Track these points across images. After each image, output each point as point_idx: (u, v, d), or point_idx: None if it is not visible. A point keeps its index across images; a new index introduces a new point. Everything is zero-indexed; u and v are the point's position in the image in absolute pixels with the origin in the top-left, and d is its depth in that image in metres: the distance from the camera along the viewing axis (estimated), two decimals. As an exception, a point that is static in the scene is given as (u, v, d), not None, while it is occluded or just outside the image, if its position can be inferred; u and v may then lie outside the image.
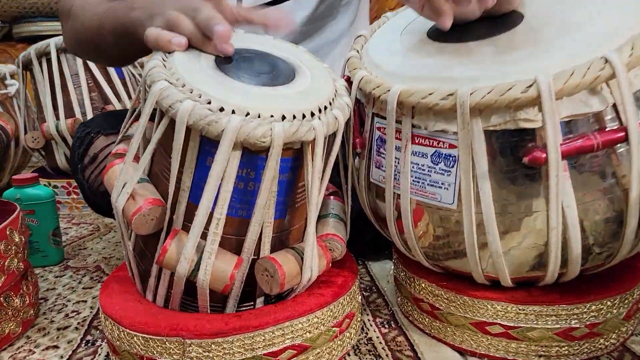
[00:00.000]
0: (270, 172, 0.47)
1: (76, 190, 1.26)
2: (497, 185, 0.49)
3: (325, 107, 0.51)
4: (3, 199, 0.78)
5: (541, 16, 0.53)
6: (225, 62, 0.52)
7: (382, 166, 0.57)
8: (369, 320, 0.68)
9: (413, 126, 0.52)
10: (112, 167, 0.54)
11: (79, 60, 1.24)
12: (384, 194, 0.57)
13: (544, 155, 0.45)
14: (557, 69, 0.45)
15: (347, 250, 0.67)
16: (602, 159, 0.47)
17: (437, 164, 0.51)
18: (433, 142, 0.51)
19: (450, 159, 0.50)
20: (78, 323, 0.71)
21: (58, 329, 0.70)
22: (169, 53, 0.52)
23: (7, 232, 0.64)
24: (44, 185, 1.31)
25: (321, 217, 0.62)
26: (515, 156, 0.48)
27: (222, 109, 0.46)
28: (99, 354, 0.63)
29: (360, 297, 0.64)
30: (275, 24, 0.55)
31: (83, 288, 0.83)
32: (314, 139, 0.48)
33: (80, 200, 1.27)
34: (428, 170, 0.52)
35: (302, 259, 0.53)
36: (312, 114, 0.49)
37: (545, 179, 0.46)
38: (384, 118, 0.54)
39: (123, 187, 0.51)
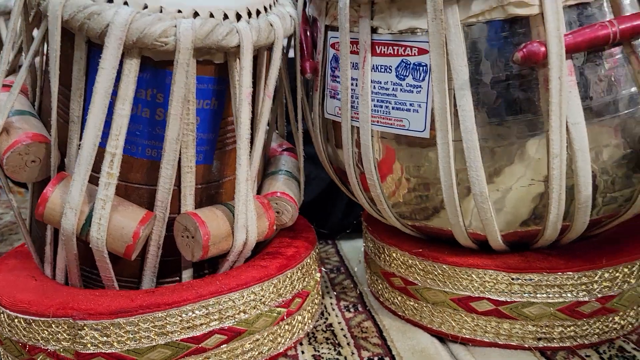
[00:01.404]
0: (179, 90, 0.36)
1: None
2: (480, 101, 0.38)
3: (259, 12, 0.39)
4: None
5: None
6: None
7: (338, 94, 0.45)
8: (331, 304, 0.56)
9: (373, 30, 0.40)
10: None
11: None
12: (339, 132, 0.46)
13: (543, 49, 0.34)
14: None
15: (305, 220, 0.56)
16: (620, 59, 0.36)
17: (404, 79, 0.40)
18: (398, 49, 0.40)
19: (421, 69, 0.39)
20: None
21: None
22: None
23: None
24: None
25: (270, 174, 0.51)
26: (505, 57, 0.37)
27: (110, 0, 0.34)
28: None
29: (319, 275, 0.52)
30: None
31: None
32: (239, 48, 0.37)
33: (20, 190, 1.15)
34: (393, 89, 0.40)
35: (233, 217, 0.42)
36: (239, 16, 0.38)
37: (544, 87, 0.35)
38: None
39: (-7, 118, 0.39)
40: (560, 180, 0.37)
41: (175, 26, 0.34)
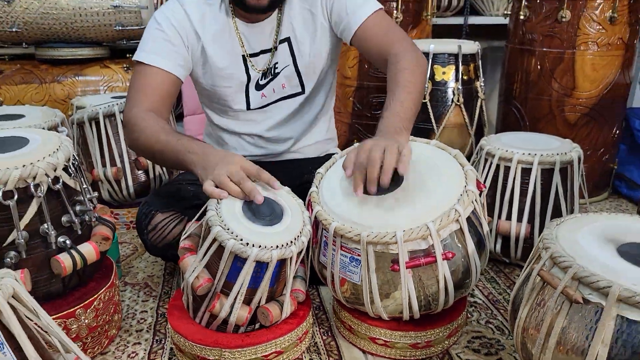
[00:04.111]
0: (269, 273, 0.92)
1: (116, 216, 1.68)
2: (379, 276, 0.95)
3: (298, 236, 0.95)
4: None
5: (412, 182, 0.98)
6: (247, 207, 0.96)
7: (325, 255, 1.02)
8: (317, 330, 1.15)
9: (342, 242, 0.97)
10: (185, 259, 0.98)
11: (119, 123, 1.63)
12: (326, 268, 1.03)
13: (398, 267, 0.92)
14: (409, 226, 0.91)
15: (306, 293, 1.12)
16: (428, 268, 0.94)
17: (352, 262, 0.97)
18: (351, 251, 0.96)
19: (358, 261, 0.96)
20: (147, 327, 1.16)
21: (137, 331, 1.14)
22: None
23: (115, 282, 1.07)
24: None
25: (294, 277, 1.07)
26: (387, 264, 0.94)
27: (247, 244, 0.90)
28: (166, 349, 1.08)
29: (312, 319, 1.10)
30: (272, 184, 1.00)
31: (142, 301, 1.27)
32: (292, 257, 0.93)
33: (118, 223, 1.69)
34: (347, 263, 0.98)
35: (282, 307, 0.99)
36: (291, 242, 0.94)
37: (399, 276, 0.93)
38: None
39: (193, 272, 0.95)
40: (406, 307, 0.95)
41: (271, 254, 0.90)
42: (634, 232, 0.86)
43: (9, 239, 0.88)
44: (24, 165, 0.86)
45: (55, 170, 0.90)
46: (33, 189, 0.86)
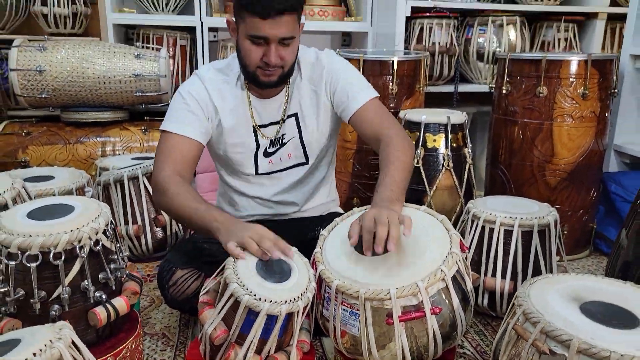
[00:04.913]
0: (278, 325, 1.04)
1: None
2: (376, 329, 1.06)
3: (304, 292, 1.07)
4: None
5: (404, 245, 1.11)
6: (260, 266, 1.08)
7: (328, 309, 1.14)
8: (320, 377, 1.24)
9: (342, 298, 1.09)
10: (204, 312, 1.09)
11: (142, 185, 1.77)
12: (328, 321, 1.14)
13: (392, 321, 1.03)
14: (401, 285, 1.03)
15: (310, 343, 1.23)
16: (418, 321, 1.05)
17: (352, 316, 1.08)
18: (351, 306, 1.08)
19: (357, 315, 1.07)
20: (165, 374, 1.26)
21: (156, 378, 1.24)
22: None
23: (140, 332, 1.18)
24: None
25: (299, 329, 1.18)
26: (383, 318, 1.05)
27: (260, 299, 1.02)
28: (183, 394, 1.18)
29: (316, 367, 1.20)
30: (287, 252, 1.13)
31: (160, 350, 1.37)
32: (299, 311, 1.05)
33: (136, 276, 1.80)
34: (348, 317, 1.09)
35: (289, 356, 1.09)
36: (299, 297, 1.05)
37: (394, 329, 1.04)
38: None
39: (211, 324, 1.06)
40: (399, 357, 1.06)
41: (280, 309, 1.01)
42: (596, 292, 0.98)
43: (55, 294, 0.99)
44: (71, 230, 0.99)
45: (96, 234, 1.03)
46: (78, 251, 0.99)
